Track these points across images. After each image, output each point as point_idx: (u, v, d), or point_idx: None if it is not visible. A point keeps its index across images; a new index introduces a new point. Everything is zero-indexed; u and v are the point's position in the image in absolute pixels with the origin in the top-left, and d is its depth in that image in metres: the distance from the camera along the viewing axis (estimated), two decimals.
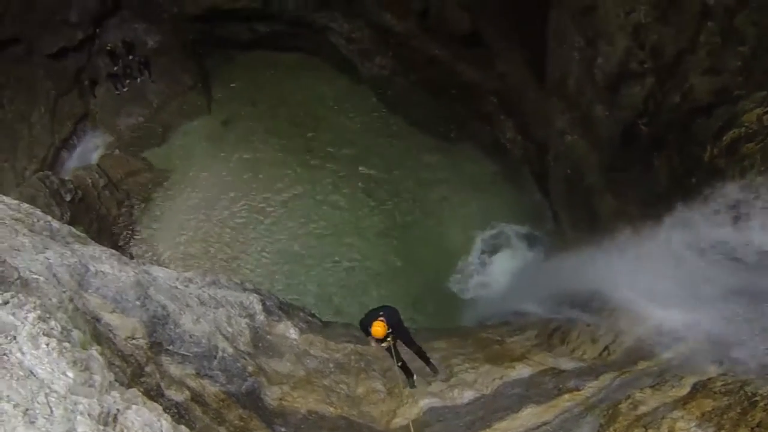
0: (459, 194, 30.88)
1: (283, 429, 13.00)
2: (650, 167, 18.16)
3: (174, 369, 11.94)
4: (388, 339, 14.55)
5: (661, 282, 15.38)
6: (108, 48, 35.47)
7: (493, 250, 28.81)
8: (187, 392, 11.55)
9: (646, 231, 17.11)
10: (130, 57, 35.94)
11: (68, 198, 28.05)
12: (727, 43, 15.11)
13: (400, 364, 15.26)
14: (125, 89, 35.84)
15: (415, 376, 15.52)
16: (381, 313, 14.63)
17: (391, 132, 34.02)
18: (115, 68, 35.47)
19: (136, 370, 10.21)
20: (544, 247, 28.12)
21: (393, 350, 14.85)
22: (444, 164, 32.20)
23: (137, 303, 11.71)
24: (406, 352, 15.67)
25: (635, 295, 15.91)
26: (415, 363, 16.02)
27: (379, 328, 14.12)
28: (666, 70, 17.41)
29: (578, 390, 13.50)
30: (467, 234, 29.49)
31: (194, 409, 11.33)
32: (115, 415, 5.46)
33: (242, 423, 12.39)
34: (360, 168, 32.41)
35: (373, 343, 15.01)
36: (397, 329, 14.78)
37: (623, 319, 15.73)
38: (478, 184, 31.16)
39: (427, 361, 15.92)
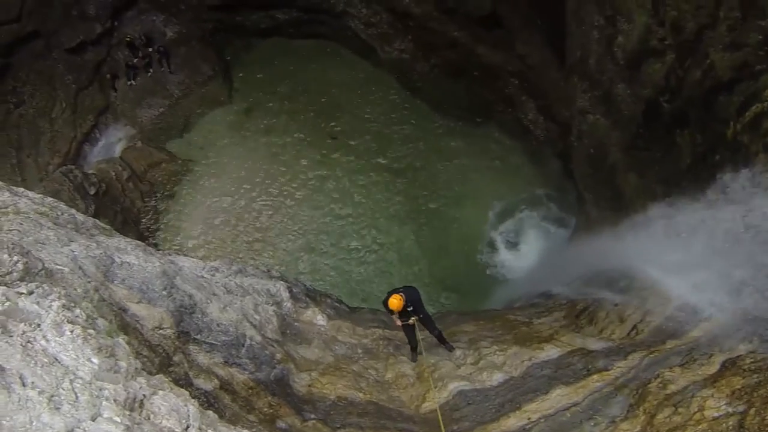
0: (482, 177, 30.75)
1: (312, 415, 12.99)
2: (673, 145, 17.99)
3: (202, 358, 11.96)
4: (413, 318, 15.35)
5: (687, 260, 15.29)
6: (127, 40, 35.66)
7: (518, 231, 28.74)
8: (216, 381, 11.57)
9: (670, 209, 17.02)
10: (149, 48, 36.06)
11: (92, 191, 28.19)
12: (747, 17, 14.85)
13: (412, 344, 16.12)
14: (132, 82, 36.01)
15: (419, 356, 16.10)
16: (401, 290, 15.28)
17: (412, 116, 33.87)
18: (135, 60, 35.59)
19: (164, 360, 10.22)
20: (568, 227, 27.98)
21: (416, 328, 15.61)
22: (467, 147, 32.06)
23: (164, 293, 11.72)
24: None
25: (662, 274, 15.83)
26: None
27: (395, 300, 14.77)
28: (686, 47, 17.20)
29: (607, 370, 13.42)
30: (491, 216, 29.40)
31: (223, 397, 11.35)
32: (142, 400, 5.43)
33: (271, 410, 12.40)
34: (382, 152, 32.32)
35: (398, 321, 15.60)
36: (417, 308, 15.43)
37: (651, 298, 15.62)
38: (501, 166, 31.05)
39: (444, 342, 16.53)
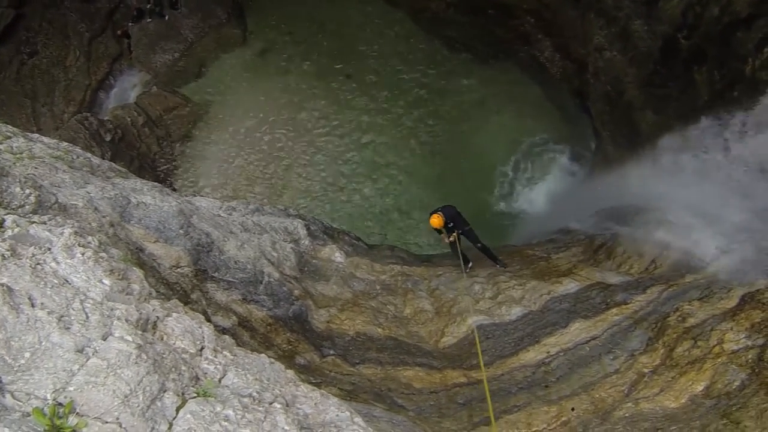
0: (499, 115, 30.53)
1: (331, 351, 13.08)
2: (690, 81, 17.97)
3: (220, 295, 12.01)
4: (454, 233, 16.86)
5: (706, 195, 15.26)
6: None
7: (535, 169, 28.61)
8: (234, 318, 11.65)
9: (687, 145, 16.98)
10: None
11: (108, 138, 28.17)
12: None
13: (460, 258, 16.84)
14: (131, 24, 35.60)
15: (470, 264, 17.40)
16: (439, 209, 16.86)
17: (428, 55, 33.52)
18: (148, 5, 35.19)
19: (182, 298, 10.26)
20: (586, 164, 27.85)
21: (457, 242, 16.88)
22: (483, 85, 31.75)
23: (180, 232, 11.74)
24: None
25: (681, 209, 15.79)
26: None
27: (435, 219, 16.52)
28: None
29: (626, 304, 13.49)
30: (509, 154, 29.26)
31: (242, 334, 11.42)
32: (155, 322, 5.40)
33: (290, 346, 12.48)
34: (397, 91, 32.15)
35: (446, 239, 17.26)
36: (457, 223, 16.96)
37: (669, 233, 15.60)
38: (518, 104, 30.74)
39: (493, 258, 17.65)
